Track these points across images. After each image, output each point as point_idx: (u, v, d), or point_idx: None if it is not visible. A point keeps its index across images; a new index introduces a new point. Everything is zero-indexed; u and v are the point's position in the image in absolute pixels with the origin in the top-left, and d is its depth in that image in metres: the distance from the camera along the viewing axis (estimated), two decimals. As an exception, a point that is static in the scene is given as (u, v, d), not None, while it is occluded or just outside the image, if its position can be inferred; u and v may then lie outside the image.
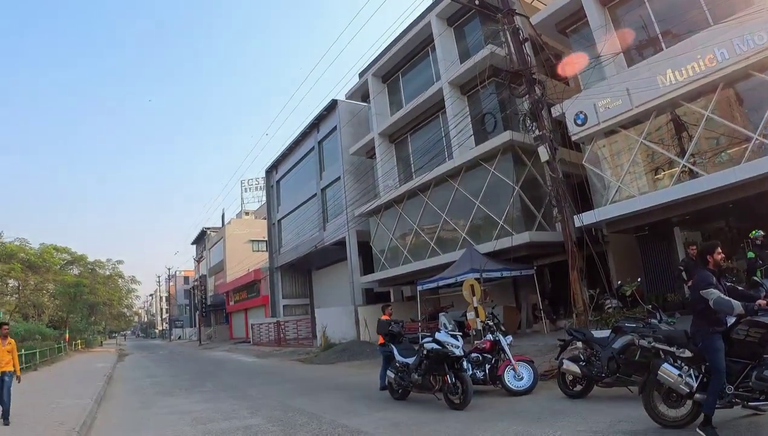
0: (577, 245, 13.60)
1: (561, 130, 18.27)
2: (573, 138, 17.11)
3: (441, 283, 20.07)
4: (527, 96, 12.86)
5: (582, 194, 16.65)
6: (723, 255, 6.15)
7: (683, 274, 12.98)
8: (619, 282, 15.32)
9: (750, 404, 5.55)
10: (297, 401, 11.42)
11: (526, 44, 14.37)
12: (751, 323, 5.58)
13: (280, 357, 26.74)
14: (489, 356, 10.40)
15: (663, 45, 15.88)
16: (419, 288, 21.15)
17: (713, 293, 5.63)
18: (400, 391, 10.75)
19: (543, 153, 12.62)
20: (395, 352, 10.98)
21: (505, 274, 19.21)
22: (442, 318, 11.58)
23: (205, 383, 17.09)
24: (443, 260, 21.84)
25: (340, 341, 24.92)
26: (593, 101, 16.16)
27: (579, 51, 17.64)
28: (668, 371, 5.95)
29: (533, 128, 12.81)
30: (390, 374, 10.99)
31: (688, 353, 6.01)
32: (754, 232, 11.95)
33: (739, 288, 6.24)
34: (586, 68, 17.13)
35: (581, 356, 9.06)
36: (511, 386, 9.89)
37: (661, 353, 6.38)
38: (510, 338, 10.77)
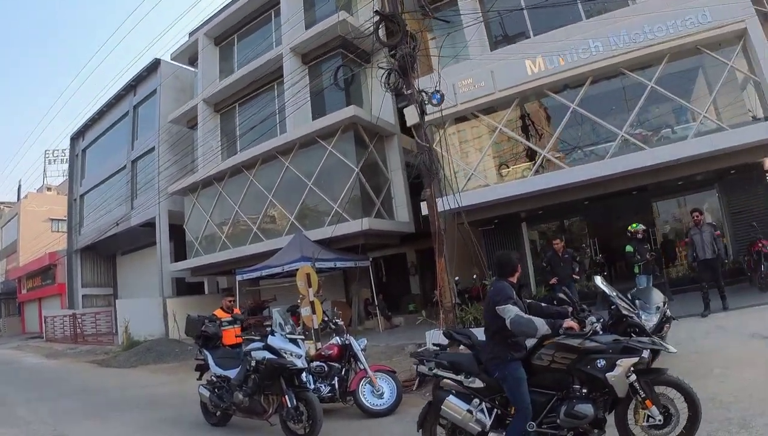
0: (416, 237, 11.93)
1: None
2: (427, 118, 15.53)
3: (265, 272, 17.66)
4: (396, 48, 10.66)
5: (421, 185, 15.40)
6: (520, 271, 5.28)
7: (548, 269, 12.19)
8: (457, 278, 14.17)
9: None
10: (77, 430, 8.56)
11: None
12: (557, 347, 4.74)
13: (74, 357, 22.28)
14: (337, 365, 8.17)
15: (531, 32, 15.46)
16: (238, 278, 18.52)
17: (511, 311, 4.62)
18: (218, 414, 8.09)
19: (411, 116, 10.59)
20: (210, 361, 8.35)
21: (339, 264, 17.47)
22: (277, 316, 8.42)
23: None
24: (267, 247, 19.46)
25: (146, 338, 21.46)
26: (453, 81, 14.69)
27: (441, 28, 16.27)
28: (454, 406, 4.91)
29: (400, 87, 10.71)
30: (203, 391, 8.27)
31: (479, 383, 4.96)
32: (634, 225, 11.96)
33: (543, 304, 5.45)
34: (447, 46, 15.73)
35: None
36: (368, 404, 7.75)
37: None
38: (364, 341, 8.60)
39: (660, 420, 4.64)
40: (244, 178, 21.57)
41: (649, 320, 6.30)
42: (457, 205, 10.70)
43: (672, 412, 4.69)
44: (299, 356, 7.07)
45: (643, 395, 4.65)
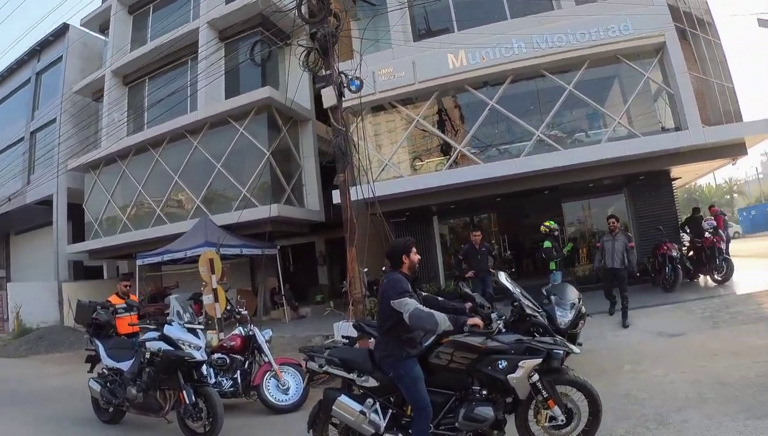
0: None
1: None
2: (344, 103, 15.11)
3: (166, 257, 16.55)
4: (318, 26, 10.07)
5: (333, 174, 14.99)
6: (419, 256, 4.84)
7: (462, 263, 11.74)
8: (366, 269, 13.81)
9: None
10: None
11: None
12: (456, 345, 4.44)
13: (-42, 347, 20.21)
14: (240, 357, 7.61)
15: (455, 27, 15.28)
16: (139, 262, 17.26)
17: (409, 304, 4.26)
18: (110, 410, 7.29)
19: (329, 97, 10.01)
20: (101, 351, 7.48)
21: (245, 251, 16.61)
22: (175, 303, 7.93)
23: None
24: (171, 231, 18.27)
25: (38, 325, 19.87)
26: (373, 69, 14.25)
27: (364, 9, 15.73)
28: (346, 406, 4.52)
29: (319, 67, 10.12)
30: (94, 385, 7.44)
31: (373, 382, 4.59)
32: (550, 222, 11.84)
33: (439, 298, 5.15)
34: (370, 29, 15.22)
35: None
36: (273, 399, 7.27)
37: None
38: (269, 332, 8.04)
39: (563, 420, 4.50)
40: (149, 157, 20.27)
41: (564, 316, 6.09)
42: (371, 195, 10.25)
43: (574, 411, 4.56)
44: (198, 348, 6.46)
45: (546, 395, 4.48)
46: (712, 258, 12.77)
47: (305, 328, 14.38)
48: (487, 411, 4.29)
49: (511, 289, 5.40)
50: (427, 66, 14.28)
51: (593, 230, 16.47)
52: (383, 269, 15.29)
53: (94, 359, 7.83)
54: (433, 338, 4.68)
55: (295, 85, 14.46)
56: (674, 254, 12.45)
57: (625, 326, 9.66)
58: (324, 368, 4.82)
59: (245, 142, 17.67)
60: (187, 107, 19.44)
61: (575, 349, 4.74)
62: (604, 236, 10.84)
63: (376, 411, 4.50)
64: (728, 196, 58.89)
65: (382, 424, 4.47)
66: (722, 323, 9.42)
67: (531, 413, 4.59)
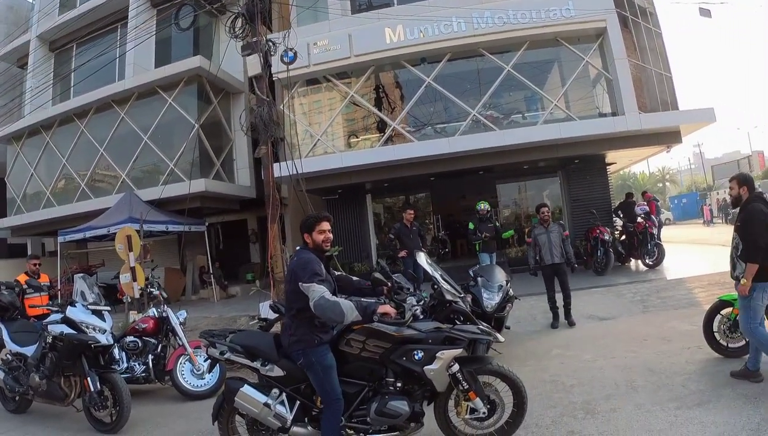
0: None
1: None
2: (275, 78, 14.62)
3: (89, 234, 15.67)
4: None
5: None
6: (330, 235, 4.27)
7: (395, 242, 11.34)
8: (299, 247, 13.25)
9: None
10: None
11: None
12: (369, 333, 4.03)
13: None
14: (153, 340, 7.04)
15: (395, 1, 15.01)
16: (60, 239, 16.42)
17: (316, 291, 3.78)
18: (17, 399, 6.69)
19: (253, 65, 9.50)
20: (5, 335, 6.82)
21: (171, 228, 15.83)
22: (80, 284, 6.90)
23: None
24: (96, 206, 17.36)
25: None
26: (308, 40, 13.83)
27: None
28: (250, 398, 4.08)
29: (246, 34, 9.59)
30: None
31: (278, 371, 4.13)
32: (482, 202, 11.43)
33: (354, 279, 4.71)
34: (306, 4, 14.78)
35: None
36: (187, 385, 6.79)
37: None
38: (184, 313, 7.45)
39: (485, 413, 4.19)
40: (75, 128, 19.17)
41: (491, 299, 5.81)
42: (296, 170, 9.82)
43: (497, 403, 4.25)
44: (104, 331, 5.97)
45: (466, 387, 4.12)
46: (643, 243, 12.91)
47: (233, 308, 13.86)
48: (401, 406, 3.95)
49: (430, 272, 5.10)
50: (364, 40, 13.88)
51: (528, 212, 16.39)
52: (297, 248, 15.02)
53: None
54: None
55: (226, 55, 13.92)
56: (607, 237, 12.53)
57: (571, 324, 8.68)
58: (225, 356, 4.33)
59: (174, 114, 16.93)
60: (115, 76, 18.50)
61: (499, 337, 4.42)
62: (535, 228, 9.25)
63: (282, 403, 4.09)
64: (660, 185, 60.87)
65: (289, 417, 4.05)
66: (653, 307, 9.40)
67: (451, 403, 4.27)
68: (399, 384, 4.05)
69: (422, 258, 5.30)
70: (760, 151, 42.81)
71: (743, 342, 5.76)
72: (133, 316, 9.58)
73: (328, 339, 4.10)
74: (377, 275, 4.58)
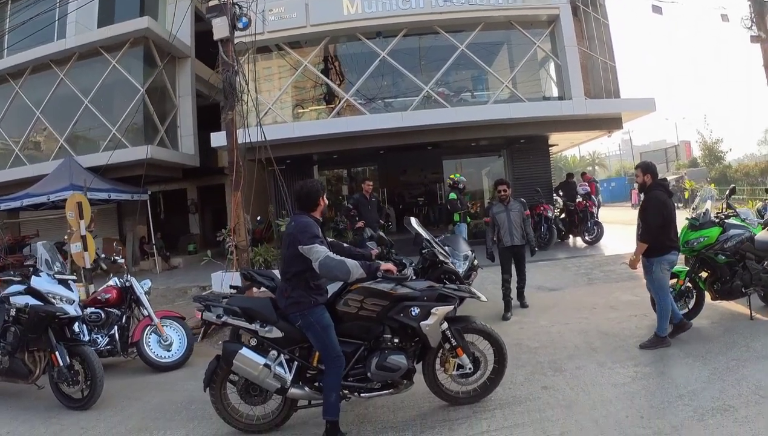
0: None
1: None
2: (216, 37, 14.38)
3: (26, 202, 14.92)
4: None
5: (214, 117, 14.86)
6: (327, 202, 4.54)
7: (353, 213, 11.32)
8: (259, 217, 14.66)
9: (363, 395, 4.31)
10: None
11: None
12: (366, 292, 4.22)
13: None
14: (117, 311, 6.72)
15: None
16: None
17: (319, 251, 3.97)
18: None
19: (220, 28, 9.26)
20: None
21: (114, 196, 15.31)
22: (44, 251, 6.65)
23: None
24: (31, 173, 16.55)
25: None
26: (263, 6, 13.44)
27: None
28: (249, 360, 4.13)
29: None
30: None
31: (277, 332, 4.22)
32: (456, 175, 11.85)
33: (344, 245, 4.91)
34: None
35: None
36: (154, 357, 6.60)
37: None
38: (148, 282, 7.20)
39: (470, 368, 4.46)
40: (8, 89, 18.05)
41: (459, 267, 6.02)
42: (261, 138, 9.55)
43: (480, 359, 4.54)
44: (71, 302, 5.73)
45: (454, 344, 4.40)
46: (584, 221, 13.56)
47: (179, 279, 13.69)
48: (400, 360, 4.17)
49: (424, 235, 5.26)
50: (321, 10, 13.85)
51: (473, 188, 16.80)
52: (258, 218, 14.91)
53: None
54: (340, 285, 4.41)
55: (177, 17, 13.45)
56: (550, 214, 13.13)
57: (523, 306, 8.27)
58: (222, 319, 4.37)
59: (118, 77, 16.28)
60: (54, 35, 17.53)
61: (483, 297, 4.66)
62: (494, 206, 8.43)
63: (281, 364, 4.18)
64: (590, 168, 63.01)
65: (289, 377, 4.16)
66: (596, 280, 9.96)
67: (438, 362, 4.51)
68: (396, 340, 4.26)
69: (414, 221, 5.43)
70: (687, 141, 44.93)
71: (686, 310, 6.36)
72: (79, 288, 9.19)
73: (324, 301, 4.24)
74: (381, 234, 5.14)
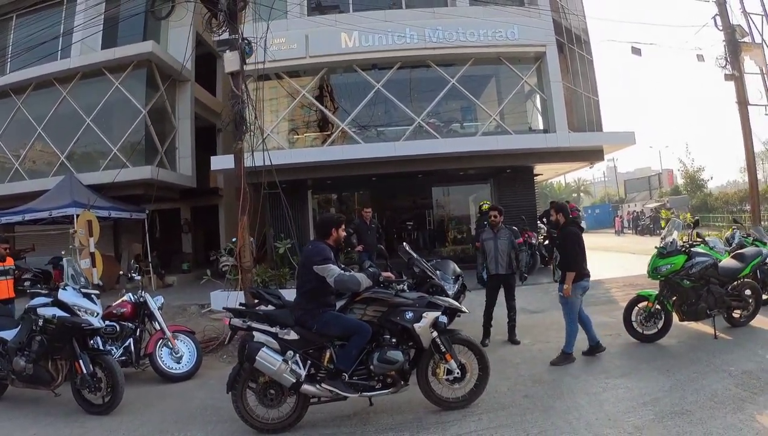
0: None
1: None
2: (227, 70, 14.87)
3: (29, 216, 15.08)
4: None
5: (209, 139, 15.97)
6: (345, 233, 5.58)
7: (352, 238, 11.59)
8: (234, 239, 13.64)
9: (365, 394, 4.98)
10: None
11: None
12: (369, 301, 5.14)
13: None
14: (131, 325, 7.13)
15: (351, 7, 15.61)
16: None
17: (332, 269, 4.90)
18: None
19: (232, 62, 9.71)
20: None
21: (114, 214, 15.62)
22: (69, 266, 6.91)
23: None
24: (30, 188, 16.79)
25: None
26: (258, 38, 14.04)
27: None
28: (269, 356, 4.79)
29: (223, 30, 9.82)
30: None
31: (294, 335, 5.00)
32: (486, 201, 12.97)
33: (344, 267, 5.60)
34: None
35: None
36: (166, 368, 6.98)
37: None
38: (161, 298, 7.67)
39: (458, 373, 5.10)
40: (10, 104, 18.27)
41: (450, 289, 6.56)
42: (267, 163, 10.27)
43: (467, 367, 5.20)
44: (95, 314, 6.11)
45: (444, 350, 5.09)
46: (565, 248, 14.16)
47: (176, 297, 13.76)
48: (398, 354, 4.87)
49: (415, 256, 5.93)
50: (320, 42, 14.48)
51: (460, 214, 17.76)
52: (250, 239, 15.38)
53: None
54: (347, 298, 5.24)
55: (174, 42, 14.01)
56: (534, 241, 13.76)
57: (515, 342, 7.82)
58: (248, 323, 5.10)
59: (120, 98, 16.71)
60: (57, 53, 17.93)
61: (464, 308, 5.46)
62: (483, 232, 8.26)
63: (296, 362, 4.83)
64: (575, 195, 63.85)
65: (303, 372, 4.82)
66: (575, 303, 10.52)
67: (430, 371, 5.17)
68: (394, 340, 5.00)
69: (407, 246, 6.07)
70: (669, 169, 46.00)
71: (655, 330, 7.11)
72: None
73: (332, 310, 5.10)
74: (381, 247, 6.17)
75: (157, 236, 19.76)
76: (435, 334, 5.05)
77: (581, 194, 65.78)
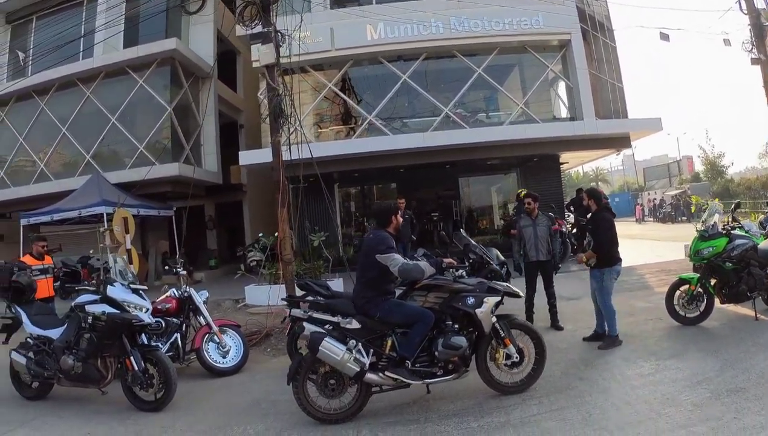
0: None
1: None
2: (254, 64, 14.84)
3: (57, 216, 15.07)
4: None
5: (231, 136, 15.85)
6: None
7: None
8: (261, 234, 14.56)
9: (427, 381, 4.95)
10: None
11: None
12: (429, 288, 5.15)
13: None
14: (176, 320, 7.06)
15: None
16: (24, 222, 15.42)
17: (396, 259, 4.88)
18: (35, 385, 6.41)
19: (267, 55, 9.69)
20: (25, 319, 6.55)
21: (143, 212, 15.58)
22: (116, 262, 6.79)
23: None
24: (56, 188, 16.80)
25: None
26: (289, 31, 14.02)
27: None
28: (332, 347, 4.74)
29: (253, 22, 9.79)
30: (17, 357, 6.36)
31: (356, 324, 5.00)
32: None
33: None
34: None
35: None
36: (213, 362, 6.91)
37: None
38: (205, 293, 7.56)
39: (517, 358, 5.13)
40: (34, 106, 18.44)
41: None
42: (308, 155, 10.16)
43: (525, 351, 5.22)
44: (146, 310, 6.01)
45: (503, 335, 5.10)
46: (594, 235, 14.08)
47: (210, 292, 13.96)
48: (461, 340, 4.88)
49: (473, 242, 6.16)
50: (346, 35, 14.50)
51: (486, 204, 17.82)
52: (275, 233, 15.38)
53: (10, 328, 6.86)
54: (406, 286, 5.29)
55: (196, 39, 13.96)
56: (564, 230, 13.64)
57: (558, 328, 7.82)
58: (309, 314, 5.24)
59: (144, 96, 16.78)
60: (79, 53, 17.99)
61: (520, 293, 5.48)
62: (521, 219, 8.26)
63: (359, 351, 4.80)
64: (593, 184, 63.42)
65: (367, 361, 4.77)
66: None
67: (488, 357, 5.15)
68: (456, 326, 5.00)
69: (464, 232, 6.49)
70: (688, 156, 45.60)
71: (698, 312, 7.12)
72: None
73: (392, 298, 5.11)
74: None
75: (185, 233, 19.86)
76: (494, 320, 5.06)
77: (599, 183, 65.29)
